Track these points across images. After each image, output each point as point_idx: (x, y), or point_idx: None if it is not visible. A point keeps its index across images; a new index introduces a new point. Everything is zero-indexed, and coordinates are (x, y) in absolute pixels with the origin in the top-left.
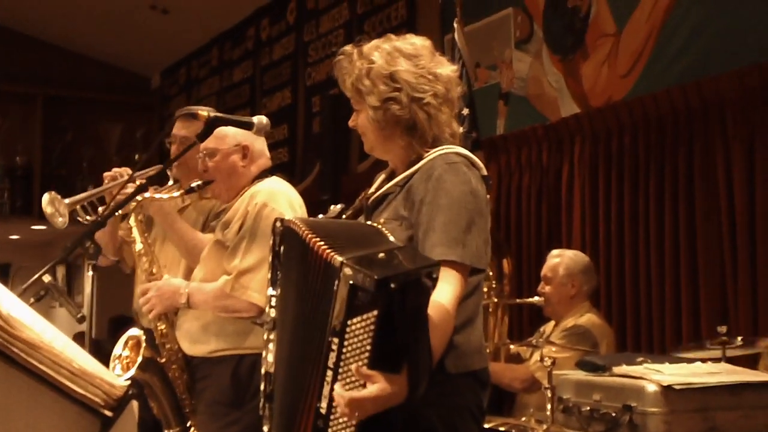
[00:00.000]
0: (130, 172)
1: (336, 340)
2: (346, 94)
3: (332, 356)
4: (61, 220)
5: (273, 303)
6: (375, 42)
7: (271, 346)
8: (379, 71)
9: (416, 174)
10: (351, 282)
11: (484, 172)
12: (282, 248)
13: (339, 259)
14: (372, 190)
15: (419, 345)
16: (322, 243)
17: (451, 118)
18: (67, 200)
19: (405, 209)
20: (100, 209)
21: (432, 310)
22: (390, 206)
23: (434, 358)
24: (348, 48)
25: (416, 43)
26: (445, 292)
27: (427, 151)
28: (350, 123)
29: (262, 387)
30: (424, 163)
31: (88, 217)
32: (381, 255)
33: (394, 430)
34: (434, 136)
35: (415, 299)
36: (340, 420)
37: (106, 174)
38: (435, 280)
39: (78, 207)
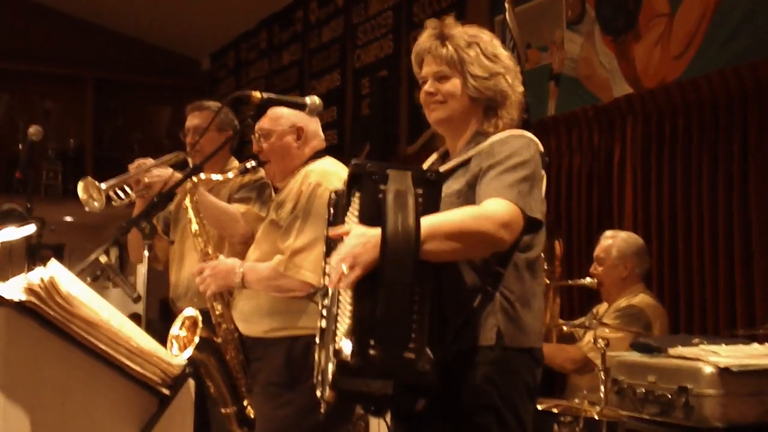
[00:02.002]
0: (152, 161)
1: None
2: (422, 61)
3: None
4: (97, 204)
5: (327, 271)
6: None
7: (324, 312)
8: (487, 47)
9: (474, 158)
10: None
11: (542, 149)
12: (334, 217)
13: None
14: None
15: (396, 219)
16: None
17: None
18: (103, 185)
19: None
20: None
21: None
22: (445, 185)
23: (439, 246)
24: (434, 20)
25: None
26: (487, 204)
27: (492, 133)
28: (427, 88)
29: (316, 358)
30: (482, 148)
31: (120, 199)
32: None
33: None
34: (505, 123)
35: (399, 185)
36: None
37: (130, 165)
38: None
39: (110, 191)
